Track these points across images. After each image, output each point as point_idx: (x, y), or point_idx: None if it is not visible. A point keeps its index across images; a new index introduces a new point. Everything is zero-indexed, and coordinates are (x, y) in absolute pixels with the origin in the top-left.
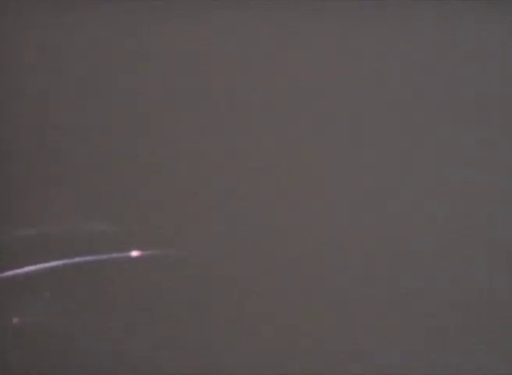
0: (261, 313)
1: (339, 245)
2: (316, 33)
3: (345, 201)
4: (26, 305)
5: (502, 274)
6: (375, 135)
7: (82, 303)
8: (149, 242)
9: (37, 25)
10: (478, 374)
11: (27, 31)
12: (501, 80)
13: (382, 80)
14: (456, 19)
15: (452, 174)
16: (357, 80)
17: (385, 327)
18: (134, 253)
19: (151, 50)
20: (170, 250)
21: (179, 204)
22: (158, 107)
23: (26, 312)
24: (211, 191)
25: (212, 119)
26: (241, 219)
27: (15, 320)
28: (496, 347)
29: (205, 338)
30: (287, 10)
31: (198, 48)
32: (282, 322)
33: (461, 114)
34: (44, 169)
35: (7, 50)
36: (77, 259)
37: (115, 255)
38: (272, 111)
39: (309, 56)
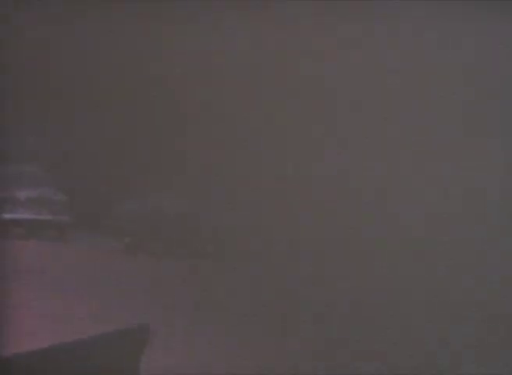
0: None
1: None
2: (319, 35)
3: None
4: None
5: (501, 274)
6: (378, 136)
7: None
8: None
9: (37, 24)
10: (478, 374)
11: (28, 30)
12: (501, 81)
13: (382, 83)
14: (456, 20)
15: (452, 174)
16: (359, 81)
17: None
18: None
19: (152, 49)
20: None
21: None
22: (161, 105)
23: None
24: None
25: (221, 114)
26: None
27: None
28: (496, 347)
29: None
30: (289, 11)
31: (200, 47)
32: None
33: (462, 116)
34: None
35: (7, 49)
36: None
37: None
38: (277, 109)
39: (312, 56)
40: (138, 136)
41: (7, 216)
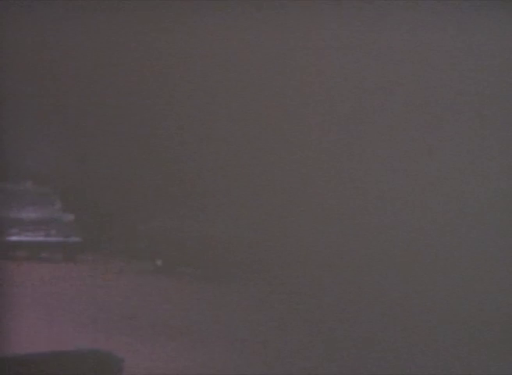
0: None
1: (343, 246)
2: (316, 34)
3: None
4: None
5: (501, 275)
6: (377, 136)
7: None
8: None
9: (36, 25)
10: (478, 374)
11: (27, 31)
12: (501, 81)
13: (381, 82)
14: (457, 20)
15: (452, 175)
16: (358, 82)
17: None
18: None
19: (151, 49)
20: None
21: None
22: (158, 106)
23: None
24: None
25: (215, 117)
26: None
27: None
28: (496, 347)
29: None
30: (288, 11)
31: (199, 47)
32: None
33: (461, 115)
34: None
35: (7, 50)
36: None
37: None
38: (275, 110)
39: (310, 56)
40: (150, 142)
41: (11, 238)
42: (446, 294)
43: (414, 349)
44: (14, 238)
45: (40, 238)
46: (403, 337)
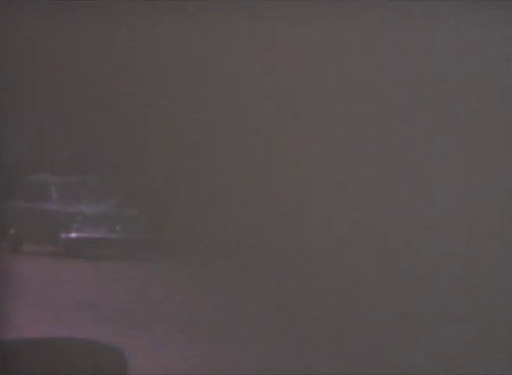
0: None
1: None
2: (315, 35)
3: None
4: None
5: (502, 274)
6: (376, 136)
7: None
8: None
9: (36, 26)
10: (477, 374)
11: (26, 31)
12: (501, 81)
13: (381, 83)
14: (456, 19)
15: (453, 175)
16: (358, 82)
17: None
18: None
19: (149, 48)
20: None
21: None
22: (156, 104)
23: None
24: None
25: (211, 115)
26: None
27: None
28: (496, 347)
29: None
30: (285, 11)
31: (198, 47)
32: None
33: (461, 115)
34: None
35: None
36: None
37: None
38: (273, 110)
39: (308, 57)
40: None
41: (72, 234)
42: (446, 294)
43: (413, 349)
44: (75, 234)
45: (103, 234)
46: (403, 337)
